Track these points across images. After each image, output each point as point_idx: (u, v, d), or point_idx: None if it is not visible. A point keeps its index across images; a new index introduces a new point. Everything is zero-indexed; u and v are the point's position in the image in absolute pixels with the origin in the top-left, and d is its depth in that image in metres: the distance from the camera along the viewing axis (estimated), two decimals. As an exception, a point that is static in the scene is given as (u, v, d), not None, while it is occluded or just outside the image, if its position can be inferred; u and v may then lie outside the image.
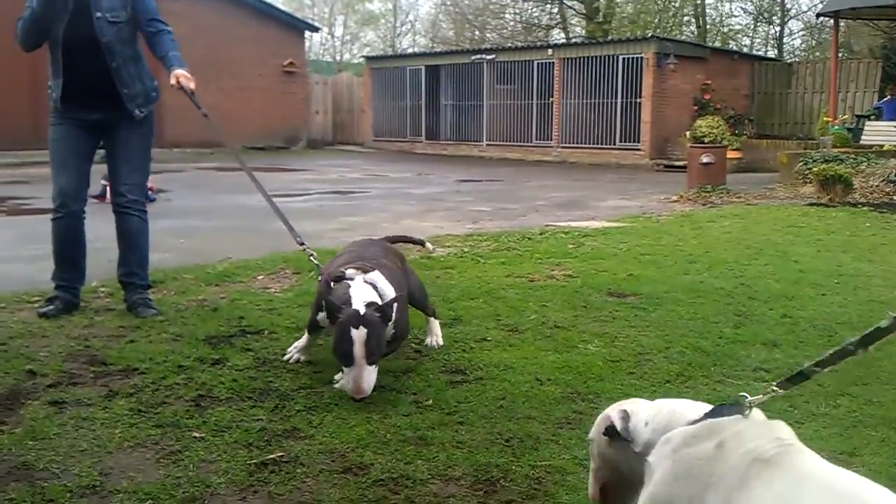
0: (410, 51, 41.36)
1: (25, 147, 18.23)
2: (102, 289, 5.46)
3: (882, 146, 15.41)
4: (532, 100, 23.49)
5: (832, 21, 18.91)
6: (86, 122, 4.87)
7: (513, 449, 3.04)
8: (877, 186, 12.44)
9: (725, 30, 37.98)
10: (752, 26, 38.45)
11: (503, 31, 39.02)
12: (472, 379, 3.81)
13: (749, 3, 37.06)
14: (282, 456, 2.95)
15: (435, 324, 4.38)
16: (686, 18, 37.02)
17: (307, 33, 29.07)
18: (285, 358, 4.03)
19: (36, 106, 18.38)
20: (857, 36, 29.49)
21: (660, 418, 2.03)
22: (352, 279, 3.72)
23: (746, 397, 1.93)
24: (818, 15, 21.26)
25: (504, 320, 4.85)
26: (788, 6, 35.89)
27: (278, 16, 26.23)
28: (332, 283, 3.77)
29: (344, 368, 3.50)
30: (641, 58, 20.87)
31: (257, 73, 24.95)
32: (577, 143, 22.29)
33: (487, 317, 4.92)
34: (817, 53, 32.90)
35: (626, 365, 4.02)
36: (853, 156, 13.72)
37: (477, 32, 40.20)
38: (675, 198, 12.61)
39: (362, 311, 3.48)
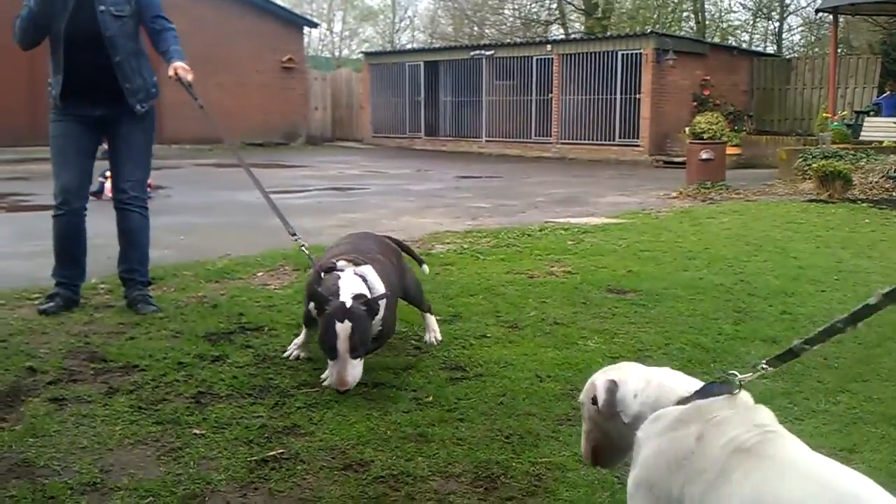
0: (409, 46, 41.36)
1: (24, 144, 18.22)
2: (102, 285, 5.46)
3: (881, 142, 15.42)
4: (531, 96, 23.48)
5: (831, 17, 18.91)
6: (87, 118, 4.86)
7: (513, 445, 3.05)
8: (876, 183, 12.43)
9: (724, 25, 38.00)
10: (752, 22, 38.47)
11: (502, 26, 38.99)
12: (472, 375, 3.81)
13: (748, -1, 37.04)
14: (282, 453, 2.95)
15: (431, 320, 4.38)
16: (685, 14, 37.02)
17: (306, 29, 29.03)
18: (285, 355, 4.03)
19: (34, 102, 18.36)
20: (857, 32, 29.48)
21: (649, 392, 2.01)
22: (342, 271, 3.71)
23: (737, 375, 1.93)
24: (817, 10, 21.25)
25: (504, 317, 4.85)
26: (787, 2, 35.90)
27: (277, 11, 26.20)
28: (321, 274, 3.77)
29: (329, 360, 3.50)
30: (640, 54, 20.85)
31: (256, 69, 24.93)
32: (577, 139, 22.28)
33: (487, 313, 4.92)
34: (816, 49, 32.89)
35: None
36: (852, 152, 13.72)
37: (476, 28, 40.19)
38: (674, 194, 12.61)
39: (349, 303, 3.46)
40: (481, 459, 2.92)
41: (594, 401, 2.10)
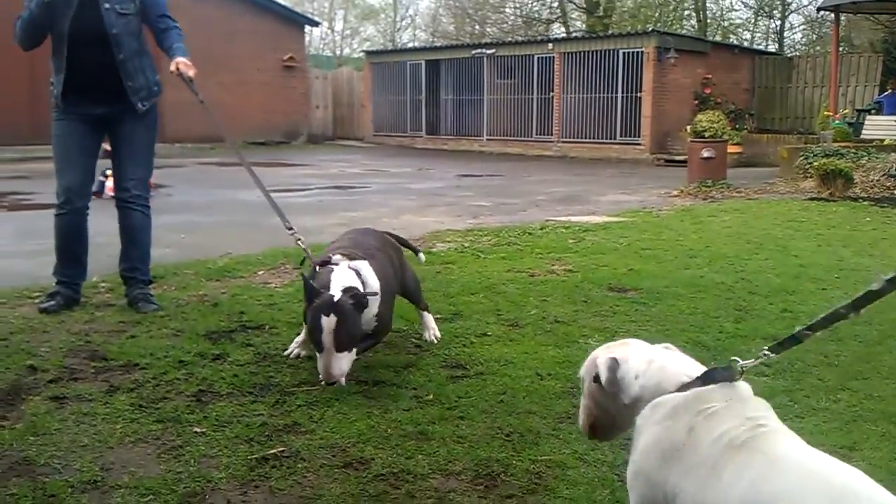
0: (410, 45, 41.36)
1: (25, 142, 18.23)
2: (103, 284, 5.46)
3: (883, 140, 15.41)
4: (532, 94, 23.47)
5: (833, 15, 18.88)
6: (90, 116, 4.86)
7: (513, 444, 3.05)
8: (877, 181, 12.43)
9: (726, 24, 37.97)
10: (753, 20, 38.44)
11: (503, 25, 38.98)
12: (472, 374, 3.81)
13: (750, -2, 37.01)
14: (283, 451, 2.95)
15: (429, 318, 4.38)
16: (686, 12, 36.99)
17: (307, 28, 29.02)
18: (286, 353, 4.03)
19: (35, 101, 18.39)
20: (858, 30, 29.46)
21: (650, 374, 2.01)
22: (336, 265, 3.71)
23: (738, 361, 1.94)
24: (819, 9, 21.22)
25: (504, 315, 4.85)
26: (789, 0, 35.85)
27: (278, 10, 26.20)
28: (317, 268, 3.78)
29: (316, 353, 3.51)
30: (642, 52, 20.85)
31: (257, 67, 24.92)
32: (578, 137, 22.28)
33: (488, 312, 4.92)
34: (818, 48, 32.87)
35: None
36: (854, 150, 13.72)
37: (477, 27, 40.17)
38: (675, 192, 12.61)
39: (337, 297, 3.46)
40: (482, 457, 2.92)
41: (595, 378, 2.08)
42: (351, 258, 3.76)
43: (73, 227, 4.92)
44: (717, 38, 32.28)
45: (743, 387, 1.92)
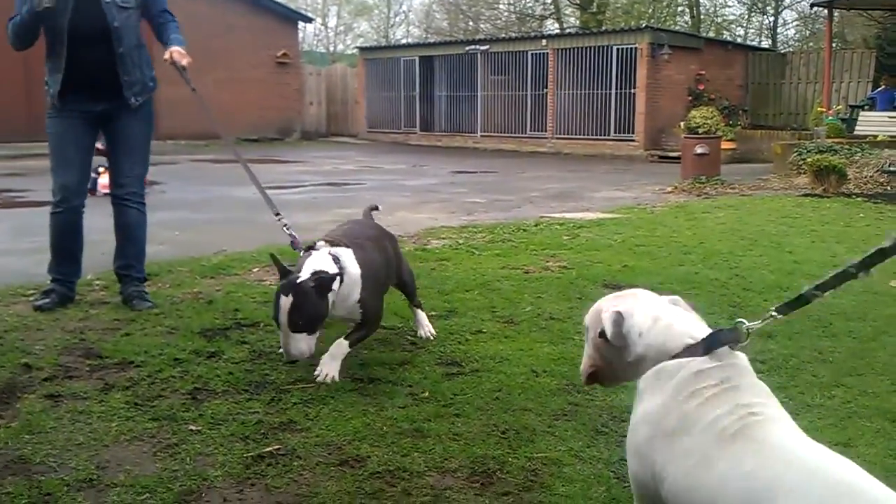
0: (404, 41, 41.32)
1: (20, 139, 18.17)
2: (97, 282, 5.45)
3: (876, 136, 15.44)
4: (526, 91, 23.48)
5: (826, 11, 18.92)
6: (88, 113, 4.84)
7: (509, 441, 3.05)
8: (871, 177, 12.46)
9: (719, 20, 38.04)
10: (746, 16, 38.50)
11: (497, 21, 38.98)
12: (467, 371, 3.81)
13: (743, -6, 37.06)
14: (278, 449, 2.95)
15: (422, 315, 4.38)
16: (680, 9, 37.05)
17: (301, 24, 29.01)
18: (281, 350, 4.02)
19: (31, 98, 18.35)
20: (851, 26, 29.51)
21: (655, 333, 1.98)
22: (317, 250, 3.73)
23: (744, 323, 1.92)
24: (812, 5, 21.27)
25: (499, 312, 4.86)
26: (782, -4, 35.89)
27: (272, 7, 26.13)
28: (301, 253, 3.82)
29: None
30: (636, 48, 20.86)
31: (251, 64, 24.87)
32: (572, 134, 22.29)
33: (483, 309, 4.92)
34: (811, 43, 32.92)
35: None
36: (847, 146, 13.75)
37: (471, 23, 40.16)
38: (669, 189, 12.62)
39: (300, 279, 3.49)
40: (477, 455, 2.92)
41: (601, 333, 2.06)
42: (335, 245, 3.78)
43: (70, 225, 4.91)
44: (711, 35, 32.34)
45: (743, 366, 1.90)
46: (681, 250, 6.93)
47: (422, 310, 4.41)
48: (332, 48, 47.97)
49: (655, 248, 7.01)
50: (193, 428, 3.12)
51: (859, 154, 13.16)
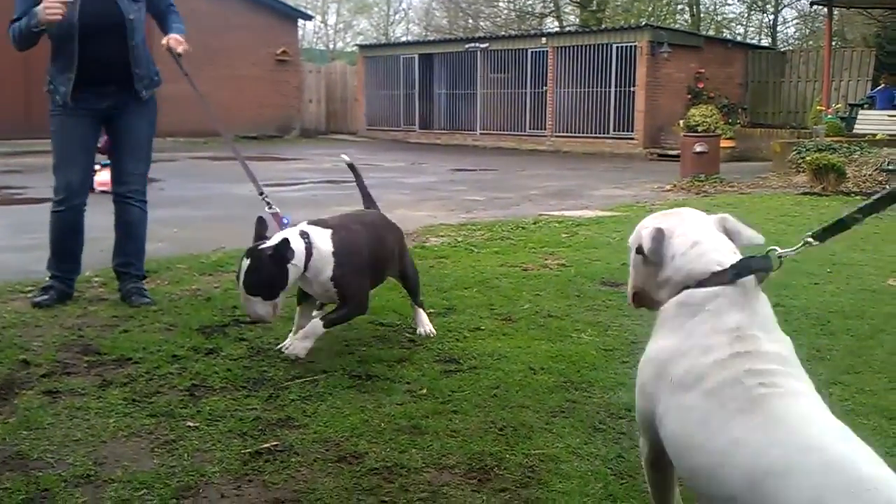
0: (404, 39, 41.31)
1: (18, 136, 18.16)
2: (96, 278, 5.45)
3: (875, 135, 15.45)
4: (526, 89, 23.47)
5: (826, 9, 18.92)
6: (94, 110, 4.82)
7: (506, 438, 3.05)
8: (870, 175, 12.46)
9: (719, 18, 38.02)
10: (746, 15, 38.49)
11: (497, 19, 38.97)
12: (465, 368, 3.82)
13: (743, -8, 37.06)
14: (276, 445, 2.95)
15: (423, 314, 4.38)
16: (680, 7, 37.04)
17: (300, 21, 29.00)
18: (279, 348, 4.03)
19: (29, 95, 18.33)
20: (851, 24, 29.50)
21: (688, 258, 1.94)
22: (294, 226, 3.87)
23: (776, 250, 1.90)
24: (812, 3, 21.26)
25: (498, 310, 4.86)
26: (782, -5, 35.89)
27: (271, 4, 26.11)
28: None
29: None
30: (635, 46, 20.85)
31: (250, 61, 24.86)
32: (571, 132, 22.29)
33: (481, 306, 4.93)
34: (811, 42, 32.91)
35: (620, 354, 4.03)
36: (846, 145, 13.75)
37: (470, 21, 40.14)
38: (668, 187, 12.63)
39: (262, 246, 3.64)
40: (475, 451, 2.92)
41: (639, 249, 2.03)
42: (315, 225, 3.87)
43: (71, 223, 4.90)
44: (711, 33, 32.34)
45: (766, 314, 1.85)
46: (679, 248, 6.92)
47: (423, 309, 4.41)
48: (331, 46, 47.99)
49: (654, 246, 7.00)
50: (191, 424, 3.13)
51: (858, 152, 13.15)
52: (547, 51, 22.78)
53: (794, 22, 38.09)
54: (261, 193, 4.43)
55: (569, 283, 5.54)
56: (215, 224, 8.47)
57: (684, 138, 14.54)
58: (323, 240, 3.79)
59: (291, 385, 3.56)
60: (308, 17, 33.18)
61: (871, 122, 16.72)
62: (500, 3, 38.88)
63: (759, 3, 36.99)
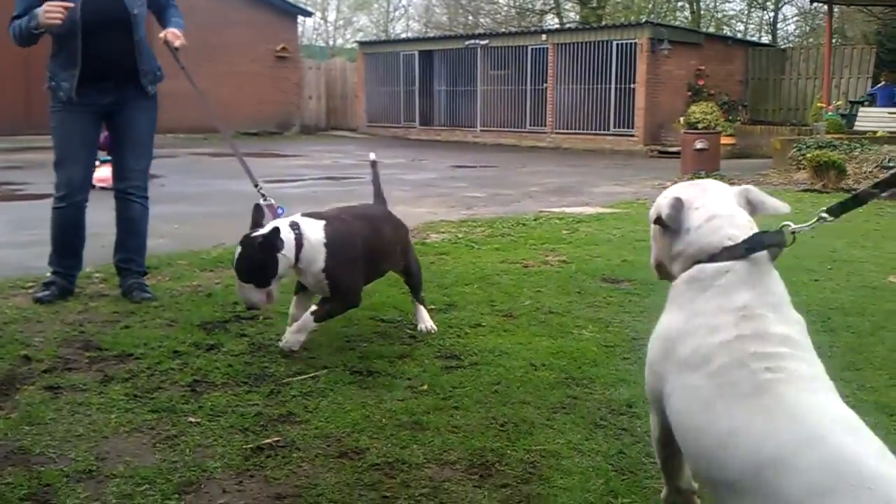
0: (404, 36, 41.26)
1: (18, 132, 18.16)
2: (97, 274, 5.45)
3: (875, 132, 15.43)
4: (526, 85, 23.45)
5: (826, 7, 18.90)
6: (95, 106, 4.82)
7: (508, 434, 3.06)
8: (870, 173, 12.44)
9: (719, 15, 37.99)
10: (746, 12, 38.46)
11: (497, 16, 38.93)
12: (466, 364, 3.82)
13: (743, -11, 37.03)
14: (277, 441, 2.96)
15: (423, 311, 4.38)
16: (680, 4, 36.99)
17: (300, 18, 28.96)
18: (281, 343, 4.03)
19: (29, 91, 18.32)
20: (851, 22, 29.49)
21: (703, 231, 1.91)
22: (288, 217, 3.95)
23: (790, 226, 1.88)
24: (812, 0, 21.22)
25: (499, 306, 4.86)
26: (782, -8, 35.86)
27: (271, 0, 26.09)
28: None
29: None
30: (635, 43, 20.84)
31: (250, 58, 24.83)
32: (571, 128, 22.28)
33: (482, 302, 4.93)
34: (811, 39, 32.90)
35: (621, 350, 4.04)
36: (847, 142, 13.74)
37: (470, 17, 40.12)
38: (669, 184, 12.59)
39: (253, 234, 3.74)
40: (476, 447, 2.93)
41: (657, 220, 2.00)
42: (310, 217, 3.92)
43: (73, 219, 4.90)
44: (711, 30, 32.31)
45: (776, 292, 1.82)
46: (680, 245, 6.92)
47: (424, 307, 4.41)
48: (331, 42, 47.94)
49: (654, 243, 7.01)
50: (193, 420, 3.13)
51: (859, 150, 13.15)
52: (547, 47, 22.77)
53: (795, 19, 38.11)
54: (256, 185, 4.47)
55: (569, 280, 5.54)
56: (215, 220, 8.46)
57: (685, 135, 14.55)
58: (315, 231, 3.83)
59: (293, 381, 3.56)
60: (308, 14, 33.16)
61: (872, 119, 16.71)
62: (500, 0, 38.87)
63: (760, 0, 36.99)
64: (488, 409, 3.29)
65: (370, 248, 4.04)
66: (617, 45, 21.23)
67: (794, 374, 1.70)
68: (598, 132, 21.63)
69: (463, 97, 25.48)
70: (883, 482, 1.50)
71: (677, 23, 32.27)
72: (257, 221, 3.87)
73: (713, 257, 1.88)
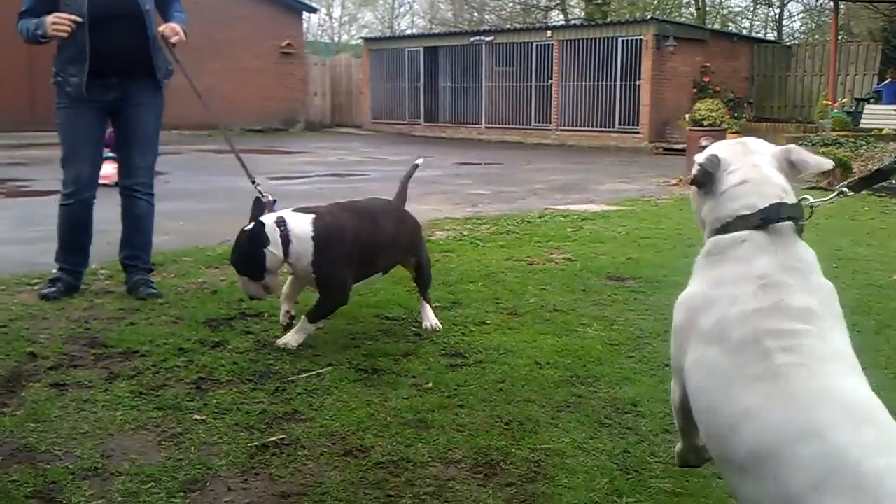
0: (409, 32, 41.25)
1: (23, 129, 18.18)
2: (103, 271, 5.46)
3: (881, 130, 15.42)
4: (531, 82, 23.44)
5: (832, 3, 18.88)
6: (100, 103, 4.82)
7: (512, 432, 3.06)
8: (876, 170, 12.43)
9: (725, 12, 37.94)
10: (752, 8, 38.38)
11: (502, 12, 38.90)
12: (471, 362, 3.82)
13: (749, -15, 36.94)
14: (282, 438, 2.96)
15: (429, 310, 4.37)
16: (685, 0, 36.91)
17: (305, 14, 28.91)
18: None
19: (34, 87, 18.35)
20: (857, 18, 29.42)
21: (729, 195, 1.84)
22: (278, 212, 3.99)
23: (808, 199, 1.82)
24: (818, -3, 21.19)
25: (503, 304, 4.86)
26: (788, -12, 35.78)
27: (276, -4, 26.10)
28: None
29: None
30: (641, 40, 20.81)
31: (254, 54, 24.84)
32: (576, 125, 22.26)
33: (487, 300, 4.93)
34: (817, 36, 32.84)
35: (625, 348, 4.04)
36: (852, 139, 13.72)
37: (475, 14, 40.08)
38: (674, 181, 12.60)
39: (247, 228, 3.87)
40: (481, 446, 2.93)
41: (693, 180, 1.93)
42: (300, 211, 3.97)
43: (80, 217, 4.90)
44: (716, 26, 32.25)
45: (801, 264, 1.74)
46: (685, 243, 6.92)
47: (429, 303, 4.41)
48: (336, 38, 47.93)
49: (660, 241, 7.01)
50: (198, 417, 3.13)
51: (864, 147, 13.11)
52: (552, 44, 22.74)
53: (800, 16, 38.03)
54: (252, 181, 4.49)
55: (574, 278, 5.53)
56: (220, 217, 8.45)
57: (690, 132, 14.52)
58: (302, 226, 3.85)
59: (298, 379, 3.56)
60: (313, 10, 33.08)
61: (878, 116, 16.69)
62: (506, -4, 38.81)
63: (766, -3, 36.90)
64: (493, 407, 3.29)
65: (364, 243, 4.03)
66: (622, 41, 21.20)
67: (810, 355, 1.65)
68: (603, 129, 21.61)
69: (468, 94, 25.47)
70: (877, 482, 1.47)
71: (683, 19, 32.22)
72: (255, 215, 3.92)
73: (727, 226, 1.84)
